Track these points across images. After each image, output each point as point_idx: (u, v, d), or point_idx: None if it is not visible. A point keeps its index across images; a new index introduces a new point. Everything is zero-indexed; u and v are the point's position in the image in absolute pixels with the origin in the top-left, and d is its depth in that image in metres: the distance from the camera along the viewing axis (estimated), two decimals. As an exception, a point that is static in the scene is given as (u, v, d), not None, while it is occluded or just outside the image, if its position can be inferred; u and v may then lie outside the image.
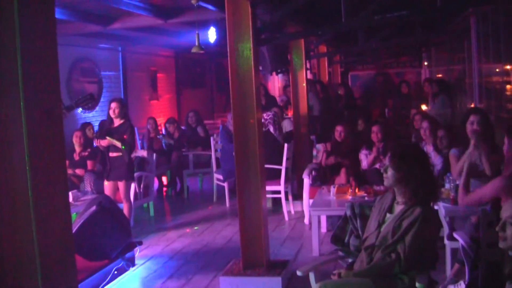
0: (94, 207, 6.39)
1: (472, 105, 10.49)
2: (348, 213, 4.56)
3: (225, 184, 10.12)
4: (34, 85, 2.55)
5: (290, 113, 12.62)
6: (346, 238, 4.59)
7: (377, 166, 8.17)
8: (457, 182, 5.65)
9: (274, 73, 13.75)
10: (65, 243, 2.75)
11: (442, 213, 5.84)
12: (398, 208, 4.19)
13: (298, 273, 4.41)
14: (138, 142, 13.33)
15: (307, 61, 12.26)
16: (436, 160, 7.40)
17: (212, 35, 10.50)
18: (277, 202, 9.48)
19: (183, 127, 12.58)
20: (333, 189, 7.53)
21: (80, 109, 12.32)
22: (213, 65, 19.82)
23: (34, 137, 2.52)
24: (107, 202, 6.68)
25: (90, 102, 7.14)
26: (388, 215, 4.23)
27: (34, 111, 2.53)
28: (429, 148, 7.64)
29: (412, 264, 3.99)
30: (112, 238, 6.43)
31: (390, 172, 4.19)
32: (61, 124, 2.74)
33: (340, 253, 4.68)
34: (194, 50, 10.05)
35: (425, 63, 20.01)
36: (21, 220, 2.54)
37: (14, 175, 2.52)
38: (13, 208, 2.55)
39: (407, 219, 4.02)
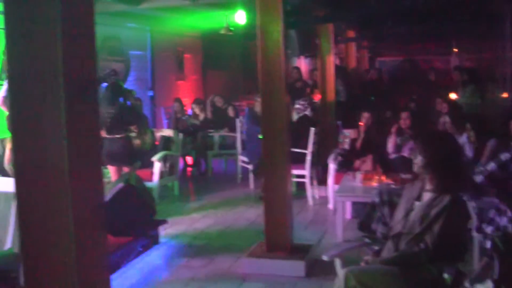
0: (121, 184, 6.44)
1: (505, 95, 10.34)
2: (376, 200, 4.54)
3: (250, 166, 10.12)
4: (72, 61, 2.56)
5: (315, 97, 12.58)
6: (373, 225, 4.58)
7: (404, 153, 8.12)
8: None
9: (300, 57, 13.72)
10: (98, 215, 2.78)
11: (471, 204, 5.78)
12: (426, 196, 4.17)
13: (324, 257, 4.41)
14: (164, 122, 13.38)
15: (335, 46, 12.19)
16: (468, 151, 7.34)
17: (240, 17, 10.49)
18: (301, 186, 9.46)
19: (209, 108, 12.61)
20: (359, 176, 7.50)
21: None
22: (239, 47, 19.76)
23: (71, 112, 2.54)
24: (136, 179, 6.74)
25: (114, 78, 7.19)
26: (416, 203, 4.21)
27: (72, 86, 2.55)
28: (462, 138, 7.56)
29: (440, 255, 3.96)
30: (138, 216, 6.47)
31: (418, 157, 4.17)
32: (96, 99, 2.76)
33: (367, 240, 4.66)
34: (223, 31, 10.03)
35: (455, 50, 19.78)
36: (57, 192, 2.57)
37: (51, 149, 2.55)
38: (50, 181, 2.59)
39: (436, 208, 3.99)
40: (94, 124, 2.75)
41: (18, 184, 2.69)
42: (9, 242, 5.41)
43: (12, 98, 2.66)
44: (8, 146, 7.69)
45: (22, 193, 2.69)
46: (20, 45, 2.62)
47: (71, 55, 2.56)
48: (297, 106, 9.66)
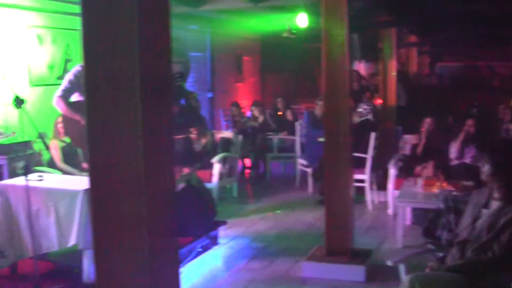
0: (182, 185, 6.50)
1: None
2: (442, 206, 4.49)
3: (309, 170, 10.10)
4: (148, 62, 2.61)
5: (376, 102, 12.49)
6: (438, 232, 4.53)
7: (466, 160, 8.00)
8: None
9: (358, 60, 13.66)
10: (169, 215, 2.82)
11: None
12: (494, 205, 4.10)
13: (389, 263, 4.38)
14: (223, 124, 13.46)
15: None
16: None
17: (302, 20, 10.49)
18: (360, 190, 9.40)
19: (269, 111, 12.64)
20: (420, 182, 7.43)
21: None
22: (298, 50, 19.75)
23: (146, 112, 2.58)
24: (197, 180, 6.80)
25: (179, 80, 7.27)
26: (484, 210, 4.15)
27: (148, 87, 2.59)
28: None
29: (507, 264, 3.90)
30: (198, 216, 6.52)
31: (486, 166, 4.12)
32: (170, 100, 2.80)
33: (430, 246, 4.61)
34: (285, 34, 10.06)
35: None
36: (131, 192, 2.63)
37: (126, 149, 2.60)
38: (124, 181, 2.64)
39: (505, 217, 3.93)
40: (168, 124, 2.79)
41: (92, 184, 2.74)
42: (74, 239, 5.54)
43: (88, 99, 2.71)
44: (53, 146, 7.82)
45: (96, 192, 2.74)
46: (97, 46, 2.66)
47: (147, 56, 2.60)
48: (359, 109, 9.63)
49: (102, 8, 2.63)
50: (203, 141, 9.56)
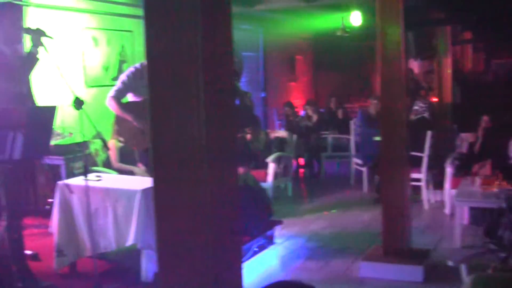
0: (242, 184, 6.54)
1: None
2: (504, 205, 4.42)
3: (364, 169, 10.05)
4: (212, 62, 2.64)
5: (432, 99, 12.35)
6: (500, 231, 4.46)
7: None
8: None
9: (413, 58, 13.51)
10: (232, 207, 2.85)
11: None
12: (558, 204, 4.03)
13: (450, 263, 4.35)
14: (276, 123, 13.49)
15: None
16: None
17: (356, 18, 10.44)
18: (416, 190, 9.30)
19: (321, 110, 12.61)
20: (478, 180, 7.31)
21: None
22: (351, 48, 19.63)
23: (210, 113, 2.61)
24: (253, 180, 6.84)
25: (234, 80, 7.29)
26: (548, 210, 4.07)
27: (212, 87, 2.63)
28: None
29: None
30: (255, 215, 6.56)
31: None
32: (233, 100, 2.82)
33: (492, 246, 4.54)
34: (339, 32, 10.03)
35: None
36: (196, 195, 2.65)
37: (191, 148, 2.64)
38: (191, 182, 2.67)
39: None
40: (232, 125, 2.81)
41: (156, 183, 2.77)
42: (132, 238, 5.60)
43: (152, 100, 2.74)
44: (111, 146, 7.90)
45: (160, 191, 2.77)
46: (161, 53, 2.69)
47: (211, 61, 2.63)
48: (415, 107, 9.53)
49: (165, 15, 2.66)
50: (257, 140, 9.59)
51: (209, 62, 2.62)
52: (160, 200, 2.78)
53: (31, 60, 5.49)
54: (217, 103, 2.68)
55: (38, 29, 5.47)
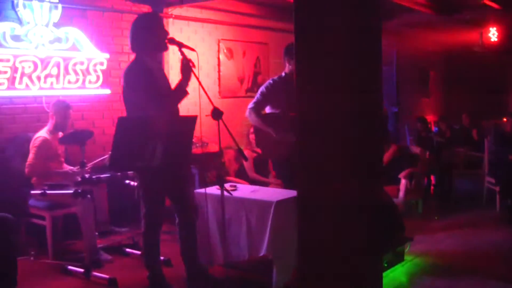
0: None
1: None
2: None
3: (497, 188, 9.86)
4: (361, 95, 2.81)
5: None
6: None
7: None
8: None
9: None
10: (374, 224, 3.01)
11: None
12: None
13: None
14: (408, 139, 13.42)
15: None
16: None
17: (492, 34, 10.29)
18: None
19: (455, 126, 12.45)
20: None
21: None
22: (485, 64, 19.12)
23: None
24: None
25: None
26: None
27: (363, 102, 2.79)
28: None
29: None
30: (387, 231, 6.61)
31: None
32: (381, 128, 2.96)
33: None
34: (476, 48, 9.91)
35: None
36: (342, 209, 2.81)
37: (337, 164, 2.80)
38: (337, 197, 2.83)
39: None
40: (377, 143, 2.95)
41: (300, 198, 2.96)
42: (264, 249, 5.73)
43: (301, 125, 2.92)
44: (248, 157, 8.06)
45: (304, 206, 2.95)
46: (310, 81, 2.88)
47: (360, 92, 2.80)
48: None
49: (315, 41, 2.85)
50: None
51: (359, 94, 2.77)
52: (304, 214, 2.94)
53: (186, 70, 5.56)
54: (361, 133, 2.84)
55: (180, 41, 5.57)
